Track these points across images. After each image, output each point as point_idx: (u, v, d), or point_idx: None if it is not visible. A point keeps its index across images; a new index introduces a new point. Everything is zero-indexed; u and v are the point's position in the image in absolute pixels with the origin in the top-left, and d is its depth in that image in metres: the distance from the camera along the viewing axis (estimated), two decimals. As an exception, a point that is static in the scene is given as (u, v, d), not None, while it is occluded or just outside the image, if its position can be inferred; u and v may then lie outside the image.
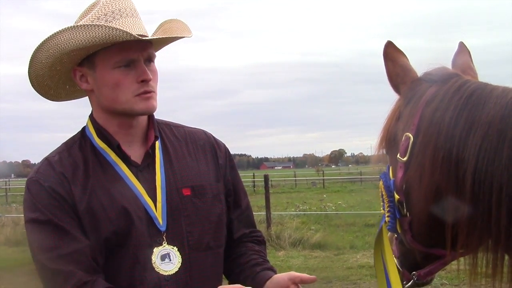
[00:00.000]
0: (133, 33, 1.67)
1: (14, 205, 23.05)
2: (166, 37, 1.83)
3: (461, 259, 1.67)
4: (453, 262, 1.74)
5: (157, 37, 1.81)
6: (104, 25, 1.66)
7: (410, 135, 1.63)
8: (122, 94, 1.74)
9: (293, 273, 1.79)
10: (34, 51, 1.75)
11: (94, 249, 1.70)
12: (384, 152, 1.82)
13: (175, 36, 1.84)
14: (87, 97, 1.89)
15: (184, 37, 1.86)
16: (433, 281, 1.89)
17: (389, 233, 1.86)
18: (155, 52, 1.85)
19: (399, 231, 1.76)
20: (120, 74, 1.73)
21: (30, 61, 1.78)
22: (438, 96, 1.60)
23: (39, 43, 1.73)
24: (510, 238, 1.43)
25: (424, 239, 1.69)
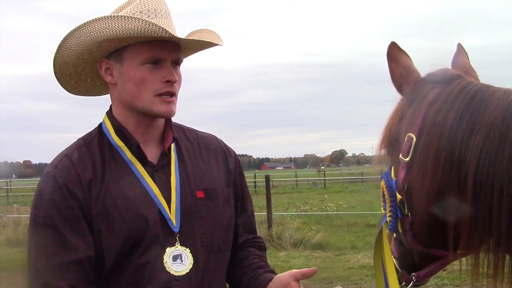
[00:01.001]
0: (169, 31, 1.66)
1: (15, 205, 23.07)
2: (196, 43, 1.82)
3: (463, 259, 1.67)
4: (454, 262, 1.75)
5: (192, 38, 1.80)
6: (142, 19, 1.66)
7: (413, 135, 1.64)
8: (145, 91, 1.73)
9: (294, 270, 1.82)
10: (65, 37, 1.73)
11: (92, 260, 1.68)
12: (386, 152, 1.83)
13: (208, 41, 1.83)
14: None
15: (216, 44, 1.86)
16: (428, 281, 1.90)
17: (388, 233, 1.86)
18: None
19: (400, 231, 1.76)
20: (147, 71, 1.73)
21: (58, 47, 1.77)
22: (441, 97, 1.61)
23: (71, 30, 1.72)
24: (511, 238, 1.43)
25: (425, 240, 1.70)
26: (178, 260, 1.75)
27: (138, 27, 1.64)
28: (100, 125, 1.87)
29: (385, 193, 1.75)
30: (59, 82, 1.87)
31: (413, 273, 1.79)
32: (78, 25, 1.70)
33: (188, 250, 1.77)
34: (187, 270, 1.75)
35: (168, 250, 1.75)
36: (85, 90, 1.96)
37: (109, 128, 1.83)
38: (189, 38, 1.80)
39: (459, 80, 1.64)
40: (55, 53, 1.78)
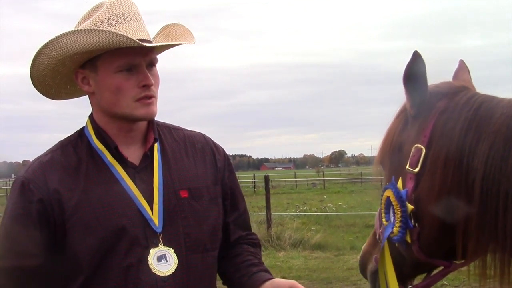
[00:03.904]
0: (136, 39, 1.68)
1: (14, 205, 23.00)
2: (169, 41, 1.84)
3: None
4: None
5: (160, 43, 1.82)
6: (108, 31, 1.67)
7: (422, 147, 1.67)
8: (123, 98, 1.75)
9: (294, 282, 1.78)
10: (37, 52, 1.75)
11: (41, 267, 1.72)
12: (387, 161, 1.84)
13: (178, 43, 1.85)
14: (87, 96, 1.90)
15: (187, 43, 1.87)
16: None
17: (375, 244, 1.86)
18: (157, 55, 1.86)
19: (409, 242, 1.76)
20: (122, 79, 1.74)
21: (32, 62, 1.78)
22: (449, 108, 1.66)
23: (42, 45, 1.73)
24: None
25: (430, 250, 1.72)
26: (163, 261, 1.75)
27: (105, 39, 1.65)
28: (82, 129, 1.89)
29: (393, 203, 1.76)
30: (40, 93, 1.90)
31: (410, 286, 1.81)
32: (48, 40, 1.72)
33: (171, 250, 1.77)
34: (173, 270, 1.76)
35: (152, 251, 1.75)
36: (67, 94, 1.98)
37: (91, 131, 1.85)
38: (160, 43, 1.82)
39: (465, 92, 1.69)
40: (30, 68, 1.80)
